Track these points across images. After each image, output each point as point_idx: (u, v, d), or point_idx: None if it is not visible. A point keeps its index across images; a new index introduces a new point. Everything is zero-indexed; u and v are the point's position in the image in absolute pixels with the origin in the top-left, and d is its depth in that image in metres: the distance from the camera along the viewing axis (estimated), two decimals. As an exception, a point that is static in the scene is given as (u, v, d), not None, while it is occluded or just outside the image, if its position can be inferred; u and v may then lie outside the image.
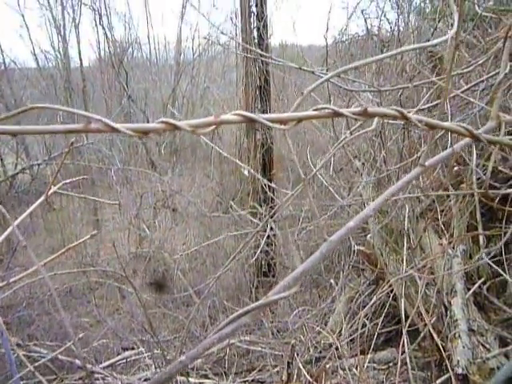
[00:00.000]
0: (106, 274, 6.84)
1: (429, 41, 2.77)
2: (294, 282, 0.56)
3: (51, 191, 0.64)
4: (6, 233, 0.89)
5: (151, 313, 6.42)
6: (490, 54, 1.65)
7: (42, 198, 0.70)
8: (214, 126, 0.51)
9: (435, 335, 2.11)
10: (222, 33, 7.58)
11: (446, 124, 0.57)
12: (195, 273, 7.41)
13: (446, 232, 2.55)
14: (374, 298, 2.56)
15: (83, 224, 9.21)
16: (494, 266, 2.21)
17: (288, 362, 3.29)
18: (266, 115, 0.52)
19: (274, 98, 6.55)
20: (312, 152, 4.12)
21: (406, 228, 2.41)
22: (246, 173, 6.87)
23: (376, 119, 0.99)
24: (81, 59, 11.78)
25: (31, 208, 0.89)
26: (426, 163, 0.60)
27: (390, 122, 1.85)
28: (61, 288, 7.09)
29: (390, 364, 2.88)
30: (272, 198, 5.41)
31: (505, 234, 2.57)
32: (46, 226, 9.38)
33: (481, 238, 2.65)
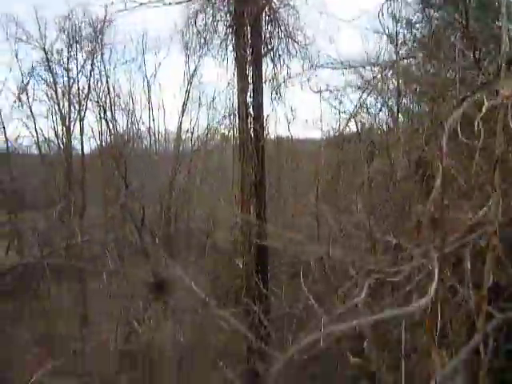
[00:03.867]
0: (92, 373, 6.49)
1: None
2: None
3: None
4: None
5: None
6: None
7: None
8: None
9: None
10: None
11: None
12: (184, 372, 7.04)
13: (445, 341, 2.46)
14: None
15: (69, 316, 8.89)
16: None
17: None
18: None
19: (270, 195, 6.69)
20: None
21: (403, 341, 2.32)
22: (240, 265, 6.80)
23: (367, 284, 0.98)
24: (82, 151, 12.15)
25: None
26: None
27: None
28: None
29: None
30: (266, 296, 5.29)
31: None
32: (31, 315, 9.03)
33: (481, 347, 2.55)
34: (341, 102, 6.32)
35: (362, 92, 4.56)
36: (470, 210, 2.24)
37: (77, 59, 12.25)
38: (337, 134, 5.62)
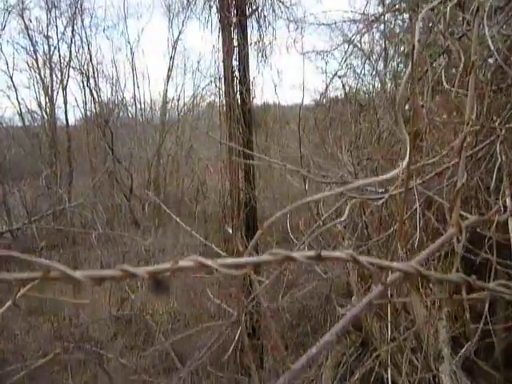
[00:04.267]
0: (85, 337, 6.59)
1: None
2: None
3: (20, 293, 0.62)
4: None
5: (131, 380, 6.15)
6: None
7: (9, 303, 0.68)
8: (171, 272, 0.52)
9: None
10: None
11: (396, 265, 0.59)
12: (178, 336, 7.17)
13: (431, 296, 2.54)
14: (353, 362, 2.50)
15: (62, 285, 8.94)
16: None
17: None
18: (222, 261, 0.53)
19: (258, 157, 6.68)
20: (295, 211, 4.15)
21: (389, 292, 2.39)
22: (229, 231, 6.85)
23: (349, 206, 1.01)
24: (67, 120, 11.96)
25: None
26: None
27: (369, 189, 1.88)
28: (35, 354, 6.77)
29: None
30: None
31: (490, 295, 2.57)
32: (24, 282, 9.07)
33: (465, 302, 2.64)
34: (327, 63, 6.25)
35: (347, 48, 4.52)
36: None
37: (57, 26, 11.91)
38: (323, 95, 5.59)
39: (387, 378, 2.28)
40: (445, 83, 1.88)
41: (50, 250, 8.11)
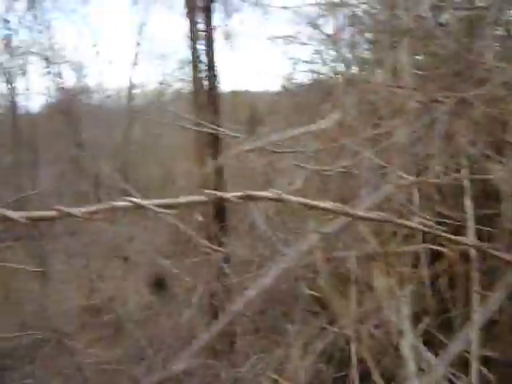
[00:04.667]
0: (53, 330, 6.50)
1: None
2: (197, 351, 0.56)
3: None
4: None
5: (102, 369, 6.12)
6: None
7: None
8: (106, 213, 0.53)
9: (382, 378, 2.13)
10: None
11: (318, 202, 0.61)
12: (148, 324, 7.16)
13: (393, 274, 2.62)
14: (320, 342, 2.57)
15: (28, 276, 8.76)
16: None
17: (244, 414, 3.19)
18: (154, 201, 0.54)
19: (226, 144, 6.67)
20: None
21: (352, 270, 2.47)
22: (198, 218, 6.83)
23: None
24: (29, 107, 11.59)
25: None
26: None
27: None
28: (2, 347, 6.65)
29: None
30: (225, 244, 5.39)
31: (447, 270, 2.68)
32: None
33: (426, 278, 2.74)
34: (293, 48, 6.25)
35: (312, 33, 4.55)
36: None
37: (16, 10, 11.44)
38: (290, 81, 5.61)
39: (352, 354, 2.36)
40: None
41: (15, 241, 7.93)
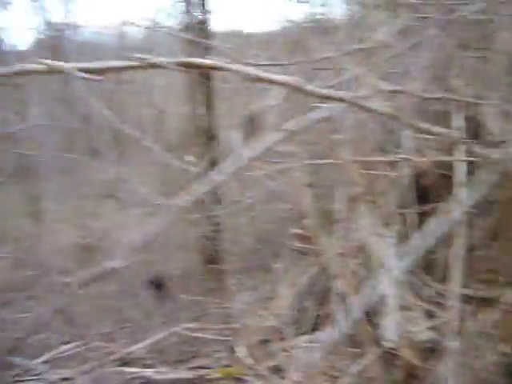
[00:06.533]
0: (47, 267, 6.60)
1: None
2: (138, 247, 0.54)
3: None
4: None
5: (95, 305, 6.27)
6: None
7: None
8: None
9: (362, 314, 2.20)
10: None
11: (278, 77, 0.57)
12: (142, 263, 7.28)
13: (378, 213, 2.64)
14: (305, 279, 2.63)
15: (22, 216, 8.79)
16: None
17: (231, 347, 3.32)
18: (79, 64, 0.50)
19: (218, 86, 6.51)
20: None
21: (339, 210, 2.48)
22: (190, 159, 6.79)
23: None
24: (16, 43, 11.16)
25: None
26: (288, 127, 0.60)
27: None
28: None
29: (329, 343, 2.97)
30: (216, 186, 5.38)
31: (434, 210, 2.70)
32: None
33: (411, 218, 2.77)
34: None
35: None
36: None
37: None
38: (287, 20, 5.39)
39: (335, 290, 2.42)
40: None
41: (6, 179, 7.88)
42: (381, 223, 2.45)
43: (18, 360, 3.46)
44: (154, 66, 0.48)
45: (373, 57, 1.96)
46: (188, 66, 0.46)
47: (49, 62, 0.45)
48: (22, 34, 11.43)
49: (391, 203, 2.67)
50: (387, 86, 1.47)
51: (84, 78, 0.47)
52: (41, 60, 0.45)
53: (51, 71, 0.46)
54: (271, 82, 0.52)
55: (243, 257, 5.65)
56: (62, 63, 0.46)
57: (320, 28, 5.45)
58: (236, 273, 5.48)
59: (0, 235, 8.48)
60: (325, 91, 0.53)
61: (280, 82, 0.49)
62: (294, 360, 2.78)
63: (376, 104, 1.33)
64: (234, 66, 0.47)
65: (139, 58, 0.48)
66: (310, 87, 0.51)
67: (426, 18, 1.94)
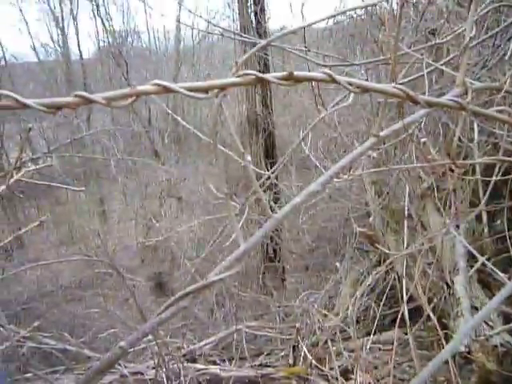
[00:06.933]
0: (114, 265, 6.89)
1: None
2: (235, 262, 0.54)
3: (13, 180, 0.62)
4: None
5: (159, 301, 6.46)
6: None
7: (3, 187, 0.69)
8: (132, 99, 0.49)
9: (434, 315, 2.11)
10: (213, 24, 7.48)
11: (380, 86, 0.54)
12: (202, 261, 7.44)
13: (448, 210, 2.52)
14: (371, 278, 2.56)
15: (90, 216, 9.26)
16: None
17: (293, 346, 3.30)
18: (185, 84, 0.50)
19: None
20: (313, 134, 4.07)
21: (406, 208, 2.39)
22: (248, 158, 6.84)
23: (352, 95, 0.96)
24: (80, 51, 11.76)
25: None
26: (381, 133, 0.58)
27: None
28: (70, 280, 7.16)
29: (396, 344, 2.88)
30: (275, 184, 5.39)
31: (508, 209, 2.54)
32: (54, 219, 9.45)
33: (484, 215, 2.62)
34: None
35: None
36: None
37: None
38: (341, 12, 5.27)
39: (402, 291, 2.34)
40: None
41: (74, 182, 8.30)
42: (451, 221, 2.34)
43: (88, 353, 3.62)
44: (261, 80, 0.48)
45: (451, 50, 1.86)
46: (295, 79, 0.45)
47: (162, 82, 0.46)
48: (85, 43, 12.01)
49: (462, 200, 2.54)
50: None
51: (193, 97, 0.47)
52: (155, 81, 0.46)
53: (165, 92, 0.47)
54: (376, 91, 0.50)
55: (303, 255, 5.62)
56: (174, 84, 0.46)
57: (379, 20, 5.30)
58: (297, 271, 5.48)
59: (69, 235, 8.98)
60: (435, 100, 0.50)
61: (386, 91, 0.47)
62: (359, 361, 2.71)
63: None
64: (343, 79, 0.45)
65: (248, 74, 0.48)
66: (420, 96, 0.48)
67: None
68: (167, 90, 0.48)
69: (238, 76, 0.51)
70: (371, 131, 0.61)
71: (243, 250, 0.55)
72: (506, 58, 1.74)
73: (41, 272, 7.30)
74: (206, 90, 0.51)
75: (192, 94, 0.49)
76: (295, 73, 0.51)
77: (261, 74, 0.50)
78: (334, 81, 0.51)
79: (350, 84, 0.51)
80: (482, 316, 1.37)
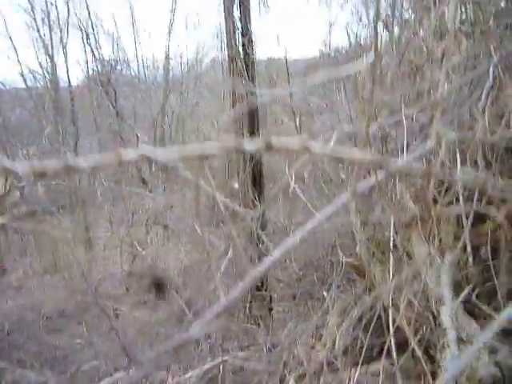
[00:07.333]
0: (99, 293, 6.77)
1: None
2: (216, 317, 0.54)
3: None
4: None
5: (145, 331, 6.34)
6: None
7: None
8: (115, 165, 0.50)
9: (420, 346, 2.09)
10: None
11: (356, 155, 0.56)
12: (189, 289, 7.35)
13: (432, 240, 2.54)
14: (358, 308, 2.54)
15: (75, 243, 9.13)
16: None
17: (280, 379, 3.24)
18: (165, 151, 0.51)
19: (263, 113, 6.60)
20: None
21: (391, 238, 2.40)
22: (235, 186, 6.86)
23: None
24: (69, 78, 11.82)
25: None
26: (357, 189, 0.59)
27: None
28: (52, 309, 7.00)
29: (382, 376, 2.85)
30: (263, 212, 5.39)
31: (491, 237, 2.57)
32: (37, 246, 9.30)
33: (468, 244, 2.64)
34: (330, 10, 6.03)
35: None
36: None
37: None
38: (326, 45, 5.43)
39: (388, 321, 2.32)
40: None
41: (59, 209, 8.23)
42: (436, 251, 2.35)
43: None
44: (239, 150, 0.49)
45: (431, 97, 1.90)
46: (272, 148, 0.46)
47: (146, 152, 0.47)
48: (73, 70, 12.07)
49: (447, 230, 2.56)
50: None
51: (172, 168, 0.48)
52: (141, 150, 0.47)
53: (143, 159, 0.48)
54: (348, 159, 0.51)
55: (290, 284, 5.58)
56: (156, 154, 0.47)
57: (362, 51, 5.46)
58: (284, 300, 5.43)
59: (53, 262, 8.83)
60: (405, 166, 0.51)
61: (361, 161, 0.49)
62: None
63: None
64: (325, 149, 0.47)
65: (224, 143, 0.49)
66: (391, 163, 0.49)
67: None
68: (146, 157, 0.49)
69: (218, 146, 0.52)
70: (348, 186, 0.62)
71: (223, 307, 0.55)
72: (479, 105, 1.79)
73: (22, 300, 7.15)
74: (186, 160, 0.52)
75: (172, 163, 0.50)
76: (272, 140, 0.52)
77: (239, 143, 0.52)
78: (308, 150, 0.53)
79: (328, 155, 0.53)
80: (469, 354, 1.37)
